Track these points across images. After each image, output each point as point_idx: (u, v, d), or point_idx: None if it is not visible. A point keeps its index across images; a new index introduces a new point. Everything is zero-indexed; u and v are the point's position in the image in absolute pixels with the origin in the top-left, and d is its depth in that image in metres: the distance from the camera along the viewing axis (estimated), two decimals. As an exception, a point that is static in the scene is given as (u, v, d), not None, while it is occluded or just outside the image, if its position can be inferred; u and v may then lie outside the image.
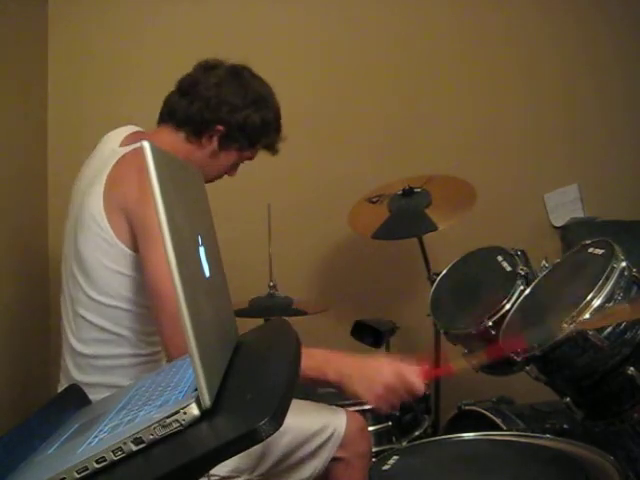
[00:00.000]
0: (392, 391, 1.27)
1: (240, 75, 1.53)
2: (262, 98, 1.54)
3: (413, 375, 1.28)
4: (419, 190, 2.12)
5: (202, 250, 0.85)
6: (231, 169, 1.62)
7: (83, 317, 1.40)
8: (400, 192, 2.12)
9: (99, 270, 1.37)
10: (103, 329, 1.39)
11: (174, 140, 1.51)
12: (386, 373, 1.27)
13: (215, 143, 1.52)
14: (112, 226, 1.34)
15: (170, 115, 1.53)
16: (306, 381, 1.23)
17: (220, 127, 1.50)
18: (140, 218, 1.31)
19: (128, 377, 1.38)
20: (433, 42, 2.65)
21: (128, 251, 1.35)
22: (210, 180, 1.58)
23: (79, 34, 2.30)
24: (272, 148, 1.63)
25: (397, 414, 1.73)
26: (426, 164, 2.42)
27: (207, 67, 1.54)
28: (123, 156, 1.40)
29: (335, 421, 1.45)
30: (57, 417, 0.97)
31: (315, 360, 1.28)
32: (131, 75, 2.34)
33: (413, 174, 2.21)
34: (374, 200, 2.17)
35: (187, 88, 1.52)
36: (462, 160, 2.55)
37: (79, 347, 1.41)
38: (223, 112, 1.49)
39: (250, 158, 1.63)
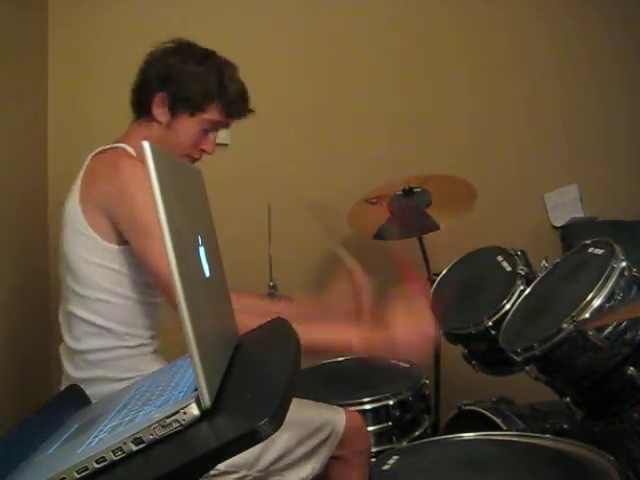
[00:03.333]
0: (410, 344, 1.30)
1: (178, 42, 1.53)
2: (200, 57, 1.51)
3: (424, 321, 1.34)
4: (419, 190, 2.12)
5: (202, 250, 0.85)
6: (200, 140, 1.53)
7: (73, 314, 1.43)
8: (400, 192, 2.12)
9: (82, 266, 1.41)
10: (91, 323, 1.42)
11: (139, 131, 1.52)
12: (399, 333, 1.30)
13: (167, 113, 1.50)
14: (90, 222, 1.39)
15: (134, 112, 1.56)
16: (333, 351, 1.37)
17: (160, 95, 1.48)
18: (125, 214, 1.35)
19: (120, 369, 1.41)
20: (433, 42, 2.65)
21: (108, 245, 1.39)
22: (189, 160, 1.55)
23: (79, 35, 2.30)
24: (232, 111, 1.53)
25: (397, 414, 1.72)
26: (426, 164, 2.42)
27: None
28: (94, 156, 1.46)
29: (334, 420, 1.47)
30: (57, 417, 0.97)
31: (338, 333, 1.35)
32: (131, 76, 2.33)
33: (412, 174, 2.21)
34: (373, 201, 2.17)
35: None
36: (462, 160, 2.55)
37: (73, 344, 1.44)
38: (153, 76, 1.50)
39: (217, 122, 1.53)
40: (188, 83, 1.48)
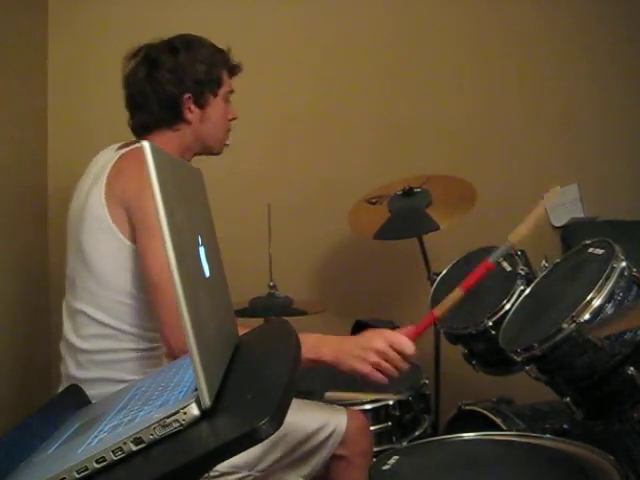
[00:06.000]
0: (384, 356, 1.33)
1: (146, 50, 1.53)
2: (183, 44, 1.52)
3: (399, 336, 1.36)
4: (419, 190, 2.12)
5: (202, 250, 0.85)
6: (227, 113, 1.60)
7: (84, 312, 1.41)
8: (400, 192, 2.12)
9: (102, 264, 1.39)
10: (104, 324, 1.40)
11: (166, 140, 1.51)
12: (374, 341, 1.35)
13: (195, 109, 1.53)
14: (114, 220, 1.37)
15: (145, 129, 1.54)
16: (303, 364, 1.28)
17: (186, 96, 1.51)
18: (140, 210, 1.33)
19: (126, 371, 1.40)
20: (432, 41, 2.65)
21: (130, 244, 1.37)
22: (226, 136, 1.61)
23: (79, 35, 2.30)
24: (233, 69, 1.60)
25: (397, 414, 1.72)
26: (426, 164, 2.41)
27: (124, 68, 1.55)
28: (124, 153, 1.44)
29: (335, 419, 1.46)
30: (57, 417, 0.97)
31: (308, 343, 1.31)
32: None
33: (413, 174, 2.21)
34: (373, 201, 2.17)
35: (130, 101, 1.54)
36: (462, 160, 2.55)
37: (79, 343, 1.42)
38: (175, 84, 1.49)
39: (230, 91, 1.60)
40: (195, 70, 1.50)
